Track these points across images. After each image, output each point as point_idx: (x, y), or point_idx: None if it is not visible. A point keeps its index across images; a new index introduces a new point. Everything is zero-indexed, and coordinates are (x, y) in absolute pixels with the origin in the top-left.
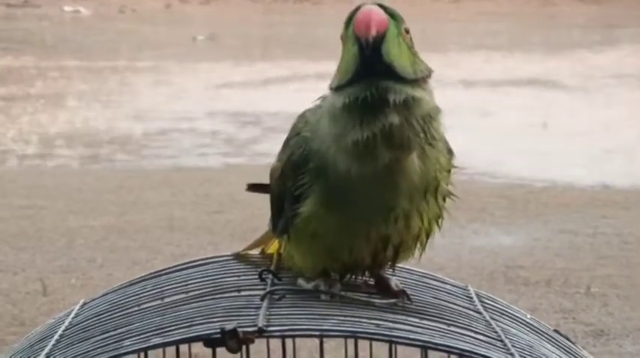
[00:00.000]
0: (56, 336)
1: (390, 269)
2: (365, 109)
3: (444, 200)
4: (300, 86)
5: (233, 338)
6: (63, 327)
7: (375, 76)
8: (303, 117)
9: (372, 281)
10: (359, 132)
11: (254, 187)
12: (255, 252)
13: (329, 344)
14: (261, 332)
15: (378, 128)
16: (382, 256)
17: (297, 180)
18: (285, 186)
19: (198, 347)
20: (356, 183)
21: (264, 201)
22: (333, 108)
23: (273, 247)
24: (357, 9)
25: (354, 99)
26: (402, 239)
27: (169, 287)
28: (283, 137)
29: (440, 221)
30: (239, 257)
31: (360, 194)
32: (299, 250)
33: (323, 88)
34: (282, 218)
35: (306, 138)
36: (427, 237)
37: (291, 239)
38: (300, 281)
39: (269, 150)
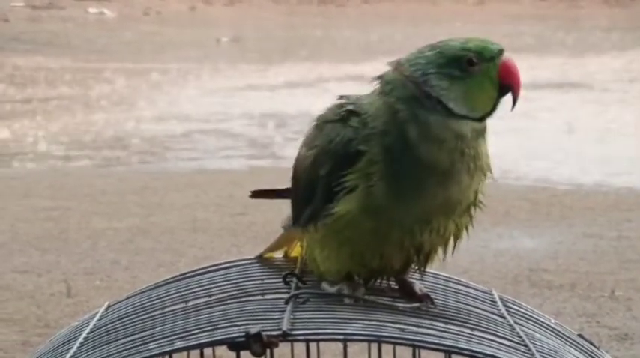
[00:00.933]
0: (81, 339)
1: (417, 274)
2: (472, 141)
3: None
4: (324, 88)
5: (257, 342)
6: (87, 330)
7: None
8: (344, 106)
9: (395, 285)
10: (460, 160)
11: (258, 194)
12: (279, 255)
13: (353, 348)
14: (285, 336)
15: (478, 159)
16: (413, 262)
17: (337, 173)
18: (317, 174)
19: (222, 350)
20: (417, 198)
21: (288, 203)
22: (447, 129)
23: (296, 250)
24: (498, 51)
25: (474, 130)
26: (434, 246)
27: (193, 290)
28: None
29: (469, 227)
30: (262, 260)
31: (410, 207)
32: (324, 253)
33: (347, 90)
34: (308, 207)
35: (354, 129)
36: (456, 241)
37: (317, 233)
38: (324, 285)
39: (293, 152)
